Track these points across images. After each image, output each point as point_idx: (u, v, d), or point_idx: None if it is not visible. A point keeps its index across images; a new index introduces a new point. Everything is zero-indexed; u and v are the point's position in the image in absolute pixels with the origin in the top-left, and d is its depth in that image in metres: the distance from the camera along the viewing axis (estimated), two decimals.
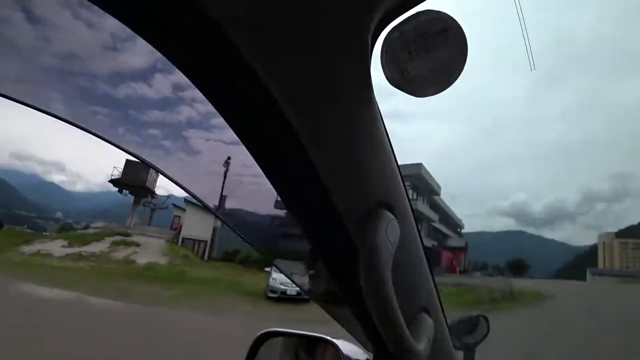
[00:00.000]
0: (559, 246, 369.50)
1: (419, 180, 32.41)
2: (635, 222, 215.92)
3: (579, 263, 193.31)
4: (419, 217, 35.05)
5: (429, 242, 35.74)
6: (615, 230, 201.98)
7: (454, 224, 56.29)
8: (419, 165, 31.61)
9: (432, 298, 0.77)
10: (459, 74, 0.40)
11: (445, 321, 0.87)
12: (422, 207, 33.35)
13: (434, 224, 38.56)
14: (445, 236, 44.46)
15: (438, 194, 38.27)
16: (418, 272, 0.71)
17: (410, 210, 0.62)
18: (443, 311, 0.83)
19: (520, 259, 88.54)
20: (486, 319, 1.23)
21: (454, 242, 41.63)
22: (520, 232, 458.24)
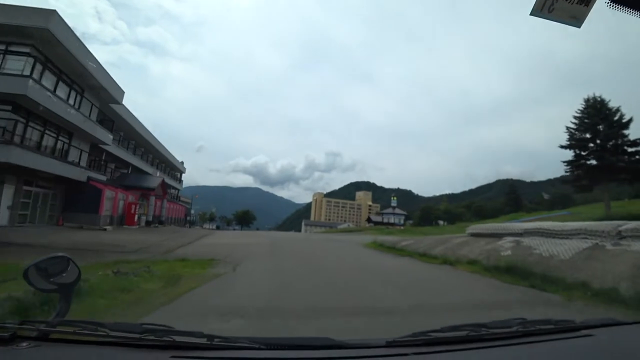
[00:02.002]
0: (287, 202, 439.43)
1: (48, 46, 16.54)
2: (337, 187, 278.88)
3: (299, 216, 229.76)
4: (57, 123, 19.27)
5: (82, 174, 20.90)
6: (324, 192, 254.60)
7: (165, 162, 43.52)
8: (51, 13, 15.76)
9: None
10: None
11: None
12: (62, 108, 17.90)
13: (106, 147, 23.89)
14: (141, 173, 30.89)
15: (118, 102, 23.63)
16: None
17: None
18: None
19: (248, 210, 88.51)
20: (72, 259, 1.26)
21: (145, 180, 28.44)
22: (257, 189, 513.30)
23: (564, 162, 30.76)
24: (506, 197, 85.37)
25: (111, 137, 23.34)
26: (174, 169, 50.27)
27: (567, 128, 30.31)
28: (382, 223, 69.08)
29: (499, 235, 13.18)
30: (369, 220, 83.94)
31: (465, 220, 70.23)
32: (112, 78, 22.41)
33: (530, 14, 0.94)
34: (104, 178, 23.15)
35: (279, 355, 1.07)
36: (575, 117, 30.03)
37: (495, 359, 1.14)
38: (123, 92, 24.04)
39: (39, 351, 0.94)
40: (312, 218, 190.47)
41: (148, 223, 27.16)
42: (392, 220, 68.81)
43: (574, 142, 29.79)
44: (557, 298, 6.33)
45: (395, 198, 72.30)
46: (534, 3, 0.92)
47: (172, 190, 54.39)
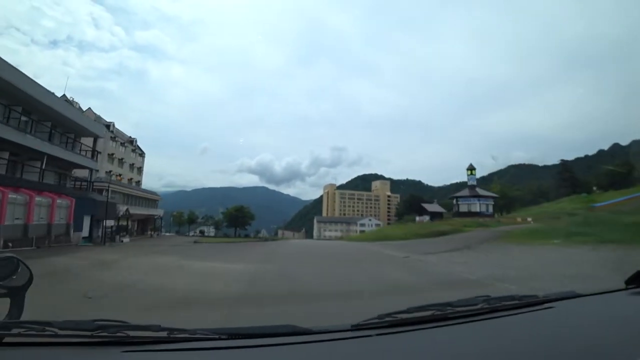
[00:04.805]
0: (293, 199, 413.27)
1: None
2: (344, 181, 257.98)
3: (306, 212, 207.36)
4: None
5: None
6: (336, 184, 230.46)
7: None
8: None
9: None
10: None
11: None
12: None
13: None
14: None
15: None
16: None
17: None
18: None
19: (242, 206, 60.65)
20: (22, 260, 1.12)
21: None
22: (264, 188, 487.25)
23: None
24: (559, 178, 77.68)
25: None
26: (60, 124, 23.04)
27: None
28: (461, 213, 41.51)
29: None
30: (420, 211, 55.88)
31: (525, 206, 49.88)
32: None
33: None
34: None
35: (241, 344, 0.97)
36: None
37: (460, 336, 1.12)
38: None
39: None
40: (323, 213, 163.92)
41: None
42: (476, 209, 41.24)
43: None
44: None
45: (473, 172, 44.76)
46: None
47: (79, 172, 27.62)
